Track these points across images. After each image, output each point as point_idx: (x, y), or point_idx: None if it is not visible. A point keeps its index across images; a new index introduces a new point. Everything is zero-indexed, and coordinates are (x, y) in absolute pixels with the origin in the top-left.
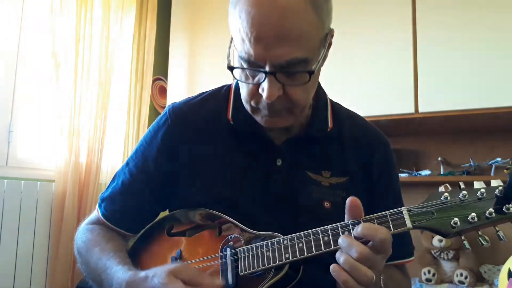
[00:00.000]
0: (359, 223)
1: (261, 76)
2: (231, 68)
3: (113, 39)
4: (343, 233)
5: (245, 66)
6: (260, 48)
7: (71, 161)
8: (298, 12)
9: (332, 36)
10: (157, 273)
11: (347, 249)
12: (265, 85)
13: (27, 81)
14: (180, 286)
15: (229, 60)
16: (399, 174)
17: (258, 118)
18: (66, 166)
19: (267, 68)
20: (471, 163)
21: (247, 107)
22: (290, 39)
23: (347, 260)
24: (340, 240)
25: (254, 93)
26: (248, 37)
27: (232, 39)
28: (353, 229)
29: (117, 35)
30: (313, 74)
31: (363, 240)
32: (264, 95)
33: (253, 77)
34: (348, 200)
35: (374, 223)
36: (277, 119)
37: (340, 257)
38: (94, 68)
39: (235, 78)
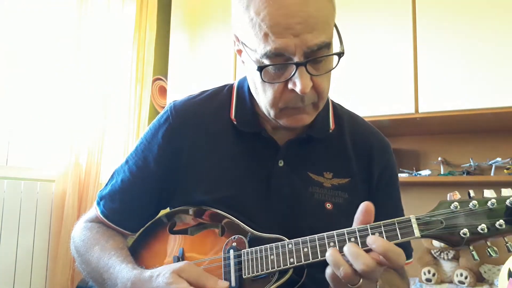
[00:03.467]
0: (366, 230)
1: (290, 71)
2: (261, 68)
3: (113, 38)
4: (349, 239)
5: (273, 62)
6: (289, 38)
7: (71, 161)
8: None
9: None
10: (161, 272)
11: (354, 259)
12: (297, 78)
13: (27, 81)
14: (184, 286)
15: (254, 62)
16: (399, 174)
17: (282, 121)
18: (66, 166)
19: (296, 59)
20: (471, 163)
21: (272, 112)
22: (316, 23)
23: (347, 271)
24: (346, 248)
25: (282, 92)
26: (274, 30)
27: (243, 45)
28: (359, 236)
29: (117, 35)
30: (343, 55)
31: (367, 248)
32: (298, 88)
33: (280, 76)
34: (362, 204)
35: (382, 231)
36: (305, 115)
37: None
38: (94, 68)
39: (264, 80)
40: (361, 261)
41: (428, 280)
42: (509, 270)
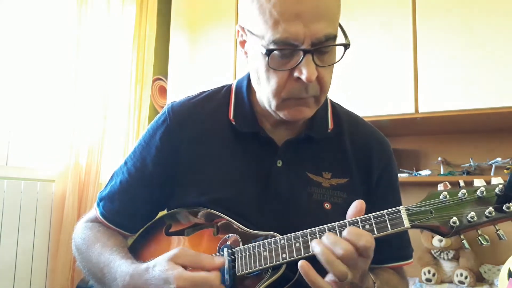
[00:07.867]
0: (356, 222)
1: (297, 59)
2: (269, 52)
3: (113, 38)
4: (340, 232)
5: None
6: (299, 26)
7: (71, 161)
8: None
9: None
10: (157, 262)
11: (333, 245)
12: (303, 65)
13: (27, 81)
14: (180, 271)
15: (261, 47)
16: (399, 174)
17: (283, 112)
18: (66, 166)
19: (304, 47)
20: (471, 163)
21: (273, 102)
22: (326, 14)
23: (324, 252)
24: (324, 237)
25: (287, 80)
26: (285, 17)
27: (250, 33)
28: None
29: (117, 35)
30: (349, 46)
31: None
32: (304, 75)
33: (286, 63)
34: (355, 202)
35: (372, 223)
36: (305, 108)
37: (316, 246)
38: (94, 68)
39: (270, 67)
40: (340, 247)
41: (428, 280)
42: (509, 270)
